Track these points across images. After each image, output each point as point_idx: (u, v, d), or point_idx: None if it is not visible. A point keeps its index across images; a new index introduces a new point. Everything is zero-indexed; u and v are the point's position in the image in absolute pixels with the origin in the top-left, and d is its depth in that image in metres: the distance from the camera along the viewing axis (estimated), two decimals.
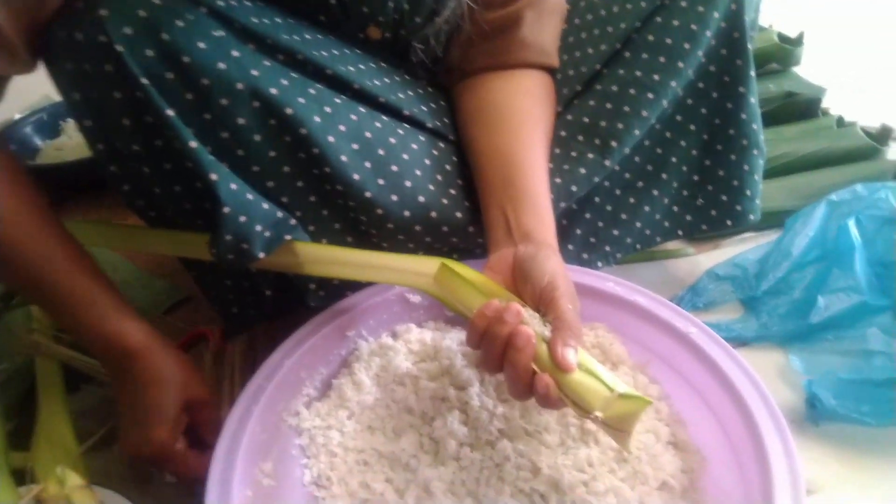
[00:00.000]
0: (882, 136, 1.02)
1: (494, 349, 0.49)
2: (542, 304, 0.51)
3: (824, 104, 1.12)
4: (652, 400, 0.46)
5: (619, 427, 0.46)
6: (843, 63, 1.33)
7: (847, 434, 0.64)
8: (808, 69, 1.19)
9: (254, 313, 0.70)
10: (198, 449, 0.57)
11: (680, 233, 0.77)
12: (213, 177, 0.51)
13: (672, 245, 0.90)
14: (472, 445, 0.56)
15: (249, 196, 0.53)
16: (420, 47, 0.67)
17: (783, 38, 1.21)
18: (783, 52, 1.19)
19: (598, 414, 0.46)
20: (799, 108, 1.10)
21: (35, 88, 1.26)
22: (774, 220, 0.89)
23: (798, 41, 1.19)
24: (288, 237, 0.57)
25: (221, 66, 0.50)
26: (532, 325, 0.49)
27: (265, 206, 0.55)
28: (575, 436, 0.55)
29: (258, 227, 0.54)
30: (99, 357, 0.58)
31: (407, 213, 0.61)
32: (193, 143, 0.50)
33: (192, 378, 0.57)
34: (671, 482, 0.53)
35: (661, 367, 0.61)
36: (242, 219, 0.53)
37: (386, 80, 0.63)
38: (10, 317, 0.80)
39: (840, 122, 1.07)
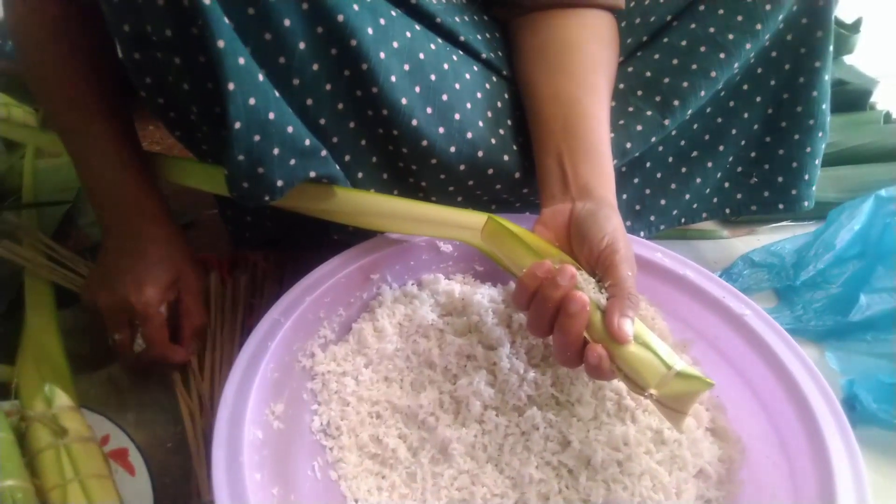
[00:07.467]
0: None
1: (545, 313, 0.45)
2: (599, 267, 0.47)
3: (872, 98, 1.07)
4: (714, 382, 0.42)
5: (674, 407, 0.43)
6: None
7: (884, 440, 0.60)
8: (860, 59, 1.13)
9: (270, 227, 0.66)
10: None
11: (727, 211, 0.73)
12: (230, 86, 0.44)
13: (706, 225, 0.86)
14: (497, 409, 0.52)
15: (271, 115, 0.46)
16: None
17: (839, 22, 1.15)
18: (838, 38, 1.12)
19: (653, 391, 0.42)
20: (847, 98, 1.06)
21: None
22: (813, 210, 0.85)
23: (855, 27, 1.13)
24: (313, 174, 0.51)
25: None
26: (586, 291, 0.45)
27: (290, 129, 0.48)
28: (610, 411, 0.51)
29: (276, 150, 0.47)
30: (107, 206, 0.58)
31: (453, 149, 0.56)
32: (221, 43, 0.43)
33: (189, 261, 0.59)
34: (708, 470, 0.49)
35: (705, 349, 0.56)
36: (256, 138, 0.46)
37: None
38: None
39: (888, 117, 1.03)
